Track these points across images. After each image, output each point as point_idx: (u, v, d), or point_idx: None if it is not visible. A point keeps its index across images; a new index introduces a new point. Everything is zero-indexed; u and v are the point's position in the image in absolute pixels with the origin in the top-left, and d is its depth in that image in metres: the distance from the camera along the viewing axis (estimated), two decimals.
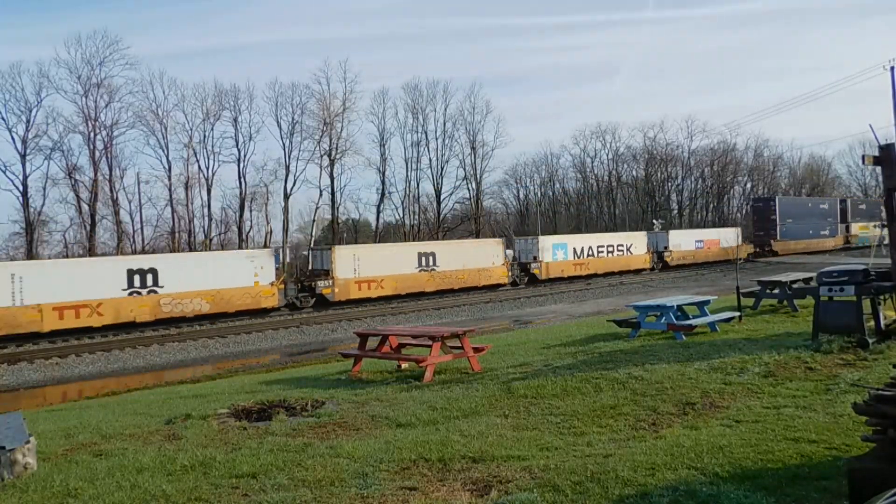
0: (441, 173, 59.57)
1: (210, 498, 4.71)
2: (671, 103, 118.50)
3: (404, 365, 10.22)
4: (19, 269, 23.23)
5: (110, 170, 44.77)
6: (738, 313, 12.46)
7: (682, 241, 47.20)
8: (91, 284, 23.74)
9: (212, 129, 49.28)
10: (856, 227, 59.45)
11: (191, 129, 48.56)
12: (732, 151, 75.08)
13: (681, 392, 7.10)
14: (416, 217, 60.11)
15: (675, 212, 74.37)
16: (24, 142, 41.65)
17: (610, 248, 42.51)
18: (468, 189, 61.18)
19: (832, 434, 5.22)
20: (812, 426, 5.49)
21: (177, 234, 48.12)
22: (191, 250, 44.96)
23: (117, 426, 7.57)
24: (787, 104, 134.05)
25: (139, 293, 24.86)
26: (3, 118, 41.36)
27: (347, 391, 8.75)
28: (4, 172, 41.34)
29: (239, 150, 50.28)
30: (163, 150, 47.56)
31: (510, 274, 36.83)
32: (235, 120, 50.16)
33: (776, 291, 14.04)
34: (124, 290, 24.54)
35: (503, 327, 21.72)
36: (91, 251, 41.59)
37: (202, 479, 5.15)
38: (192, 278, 25.94)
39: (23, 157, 41.61)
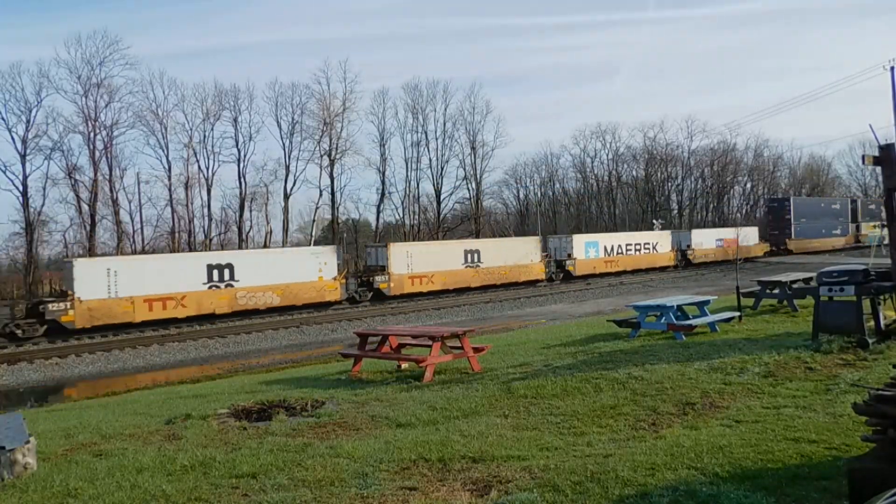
0: (441, 173, 59.66)
1: (210, 498, 4.71)
2: (671, 103, 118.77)
3: (404, 365, 10.22)
4: (114, 263, 25.19)
5: (110, 170, 44.81)
6: (738, 313, 12.46)
7: (704, 240, 49.23)
8: (176, 279, 25.50)
9: (212, 129, 49.37)
10: (865, 227, 61.04)
11: (191, 129, 48.64)
12: (732, 151, 75.21)
13: (681, 392, 7.09)
14: (416, 217, 60.15)
15: (675, 212, 74.37)
16: (24, 142, 41.67)
17: (637, 246, 44.74)
18: (468, 189, 61.29)
19: (832, 434, 5.22)
20: (812, 426, 5.48)
21: (177, 235, 48.12)
22: (191, 250, 44.98)
23: (117, 426, 7.57)
24: (787, 104, 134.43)
25: (218, 287, 26.66)
26: (3, 118, 41.40)
27: (347, 391, 8.75)
28: (4, 172, 41.38)
29: (239, 150, 50.36)
30: (163, 150, 47.64)
31: (547, 270, 38.69)
32: (235, 120, 50.24)
33: (776, 291, 14.04)
34: (204, 283, 26.34)
35: (503, 327, 21.71)
36: (91, 251, 41.56)
37: (202, 479, 5.15)
38: (263, 273, 27.82)
39: (23, 157, 41.63)
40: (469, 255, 35.36)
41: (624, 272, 42.56)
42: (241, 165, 50.44)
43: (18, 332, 22.68)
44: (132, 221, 47.92)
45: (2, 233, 46.88)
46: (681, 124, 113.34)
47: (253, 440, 6.35)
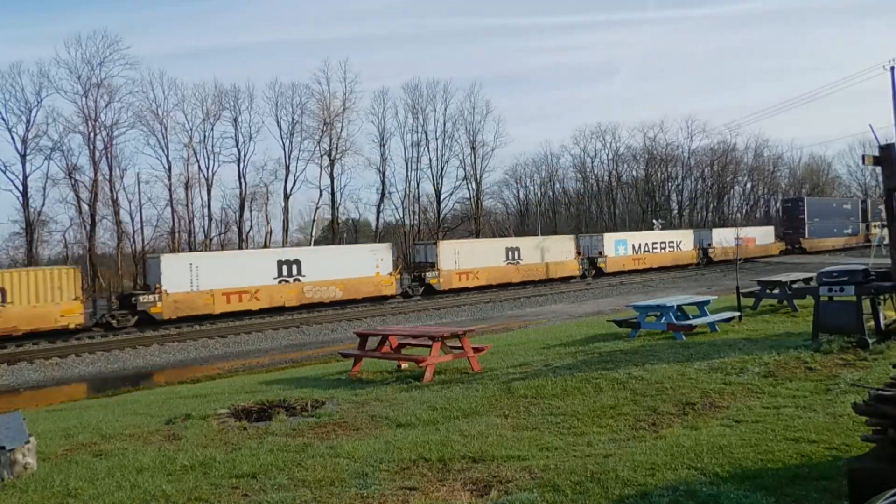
0: (441, 173, 59.68)
1: (210, 498, 4.71)
2: (671, 103, 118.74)
3: (404, 365, 10.22)
4: (195, 259, 27.16)
5: (110, 170, 44.84)
6: (737, 313, 12.46)
7: (724, 239, 50.52)
8: (249, 273, 27.24)
9: (212, 129, 49.42)
10: (874, 226, 61.54)
11: (191, 129, 48.68)
12: (732, 151, 75.25)
13: (681, 392, 7.09)
14: (416, 217, 60.16)
15: (675, 212, 74.38)
16: (24, 142, 41.72)
17: (663, 245, 47.15)
18: (468, 189, 61.30)
19: (832, 434, 5.22)
20: (812, 426, 5.48)
21: (177, 234, 48.13)
22: (191, 250, 45.00)
23: (117, 426, 7.57)
24: (787, 104, 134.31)
25: (287, 281, 28.41)
26: (3, 118, 41.47)
27: (347, 391, 8.75)
28: (4, 172, 41.44)
29: (239, 150, 50.40)
30: (163, 150, 47.67)
31: (581, 267, 40.53)
32: (235, 120, 50.29)
33: (776, 291, 14.04)
34: (275, 278, 28.13)
35: (503, 327, 21.71)
36: (91, 251, 41.60)
37: (202, 479, 5.15)
38: (327, 268, 29.61)
39: (23, 157, 41.68)
40: (510, 253, 37.28)
41: (650, 269, 44.58)
42: (241, 165, 50.56)
43: (114, 322, 24.53)
44: (132, 221, 47.97)
45: (2, 233, 46.82)
46: (681, 124, 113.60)
47: (253, 440, 6.35)
